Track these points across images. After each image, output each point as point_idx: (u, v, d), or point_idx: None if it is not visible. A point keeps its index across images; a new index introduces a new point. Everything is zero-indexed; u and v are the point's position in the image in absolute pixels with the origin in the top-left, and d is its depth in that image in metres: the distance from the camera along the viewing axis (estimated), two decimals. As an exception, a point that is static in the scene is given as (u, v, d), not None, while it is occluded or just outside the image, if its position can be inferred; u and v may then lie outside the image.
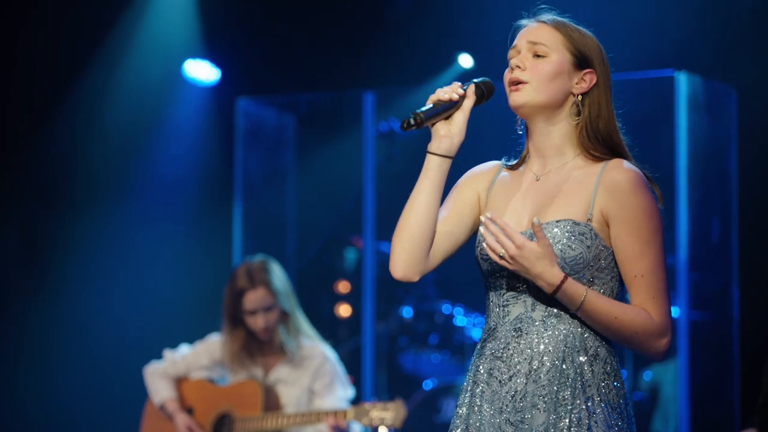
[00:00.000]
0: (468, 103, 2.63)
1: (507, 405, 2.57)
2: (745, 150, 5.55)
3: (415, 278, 2.64)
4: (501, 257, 2.51)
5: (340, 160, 6.70)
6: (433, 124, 2.62)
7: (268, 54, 6.54)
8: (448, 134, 2.62)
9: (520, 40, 2.65)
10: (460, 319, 6.66)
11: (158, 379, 5.03)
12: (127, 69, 6.54)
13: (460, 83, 2.65)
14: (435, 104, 2.61)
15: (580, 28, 2.66)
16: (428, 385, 6.51)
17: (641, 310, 2.54)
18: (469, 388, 2.65)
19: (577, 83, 2.63)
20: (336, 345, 6.08)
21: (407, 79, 6.29)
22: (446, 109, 2.61)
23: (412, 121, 2.57)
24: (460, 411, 2.65)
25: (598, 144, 2.62)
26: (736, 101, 5.57)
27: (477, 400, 2.62)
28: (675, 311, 5.50)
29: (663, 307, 2.55)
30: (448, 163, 2.63)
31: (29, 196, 6.60)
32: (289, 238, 6.74)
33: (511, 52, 2.66)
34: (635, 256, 2.54)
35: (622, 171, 2.57)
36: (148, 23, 6.51)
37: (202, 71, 6.60)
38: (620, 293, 2.61)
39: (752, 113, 5.53)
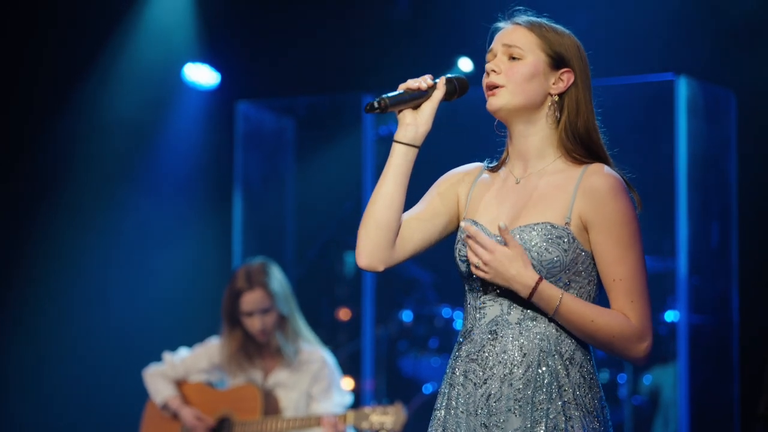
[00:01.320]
0: (437, 95, 2.62)
1: (481, 408, 2.56)
2: (744, 154, 5.55)
3: (380, 268, 2.62)
4: (477, 267, 2.51)
5: (340, 163, 6.69)
6: (400, 112, 2.61)
7: (268, 57, 6.53)
8: (414, 123, 2.61)
9: (496, 44, 2.65)
10: (460, 323, 6.65)
11: (158, 379, 5.03)
12: (127, 73, 6.54)
13: (431, 75, 2.64)
14: (404, 91, 2.61)
15: (557, 27, 2.65)
16: (428, 389, 6.51)
17: (619, 313, 2.53)
18: (445, 391, 2.66)
19: (554, 83, 2.62)
20: (336, 349, 6.07)
21: (406, 83, 6.27)
22: (414, 98, 2.61)
23: (375, 105, 2.57)
24: (438, 414, 2.66)
25: (578, 144, 2.61)
26: (736, 106, 5.57)
27: (453, 402, 2.62)
28: (675, 315, 5.50)
29: (642, 311, 2.54)
30: (413, 152, 2.61)
31: (29, 199, 6.59)
32: (289, 242, 6.73)
33: (487, 56, 2.66)
34: (615, 260, 2.54)
35: (601, 176, 2.56)
36: (148, 27, 6.50)
37: (201, 75, 6.60)
38: (597, 297, 2.60)
39: (752, 117, 5.53)
